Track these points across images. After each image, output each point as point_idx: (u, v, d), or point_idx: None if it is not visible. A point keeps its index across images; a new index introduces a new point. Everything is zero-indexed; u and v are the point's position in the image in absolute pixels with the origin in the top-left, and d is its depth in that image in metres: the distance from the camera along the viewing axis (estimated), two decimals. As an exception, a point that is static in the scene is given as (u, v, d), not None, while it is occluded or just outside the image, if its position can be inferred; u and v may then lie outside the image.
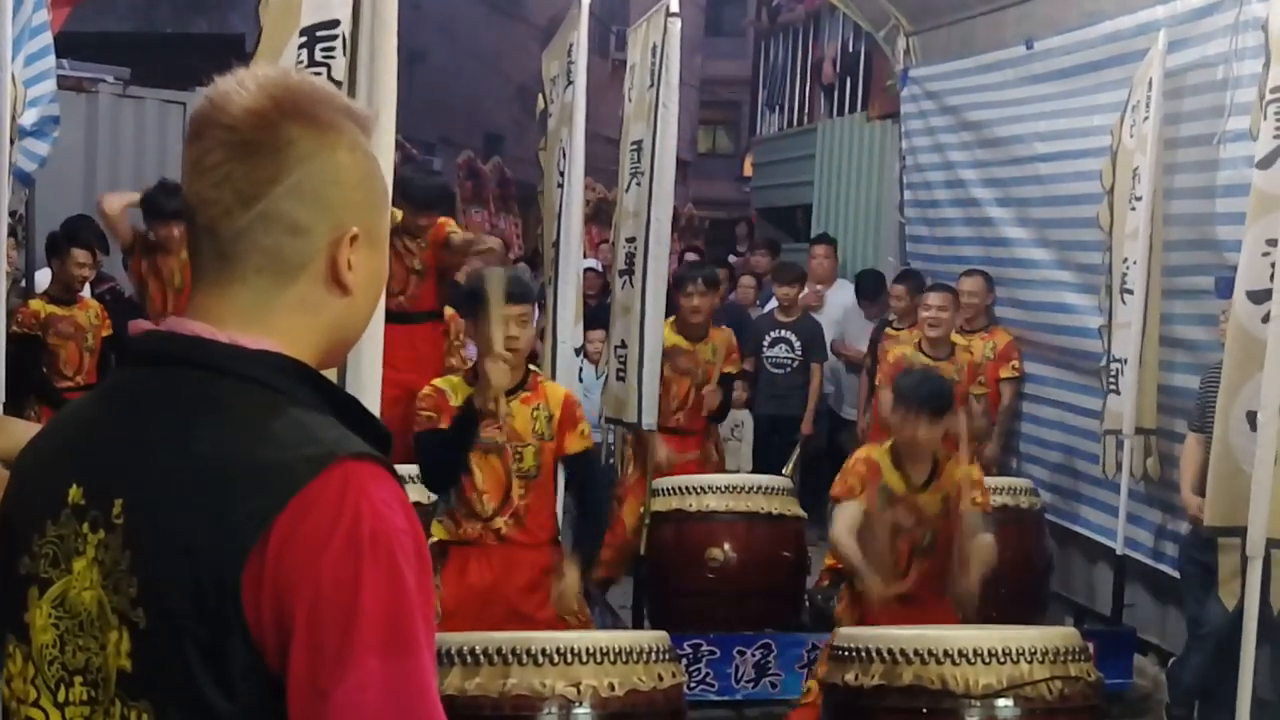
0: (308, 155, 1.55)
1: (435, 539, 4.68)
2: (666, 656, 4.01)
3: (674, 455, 7.22)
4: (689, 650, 6.15)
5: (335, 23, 3.16)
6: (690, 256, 12.53)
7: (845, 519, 5.05)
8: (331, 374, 1.74)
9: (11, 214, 6.00)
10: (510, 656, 3.79)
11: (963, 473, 5.13)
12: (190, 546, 1.43)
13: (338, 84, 3.14)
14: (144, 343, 1.61)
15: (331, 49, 3.17)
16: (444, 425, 4.62)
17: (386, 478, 1.49)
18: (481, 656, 3.78)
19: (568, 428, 4.77)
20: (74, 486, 1.54)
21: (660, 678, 3.91)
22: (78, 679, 1.52)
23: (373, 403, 3.00)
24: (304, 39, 3.20)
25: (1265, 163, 4.50)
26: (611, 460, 7.80)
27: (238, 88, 1.55)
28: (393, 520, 1.45)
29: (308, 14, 3.18)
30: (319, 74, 3.19)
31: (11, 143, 5.26)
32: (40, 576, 1.56)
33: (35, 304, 7.53)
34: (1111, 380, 6.79)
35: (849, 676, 4.19)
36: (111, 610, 1.49)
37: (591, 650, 3.83)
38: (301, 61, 3.19)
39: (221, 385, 1.52)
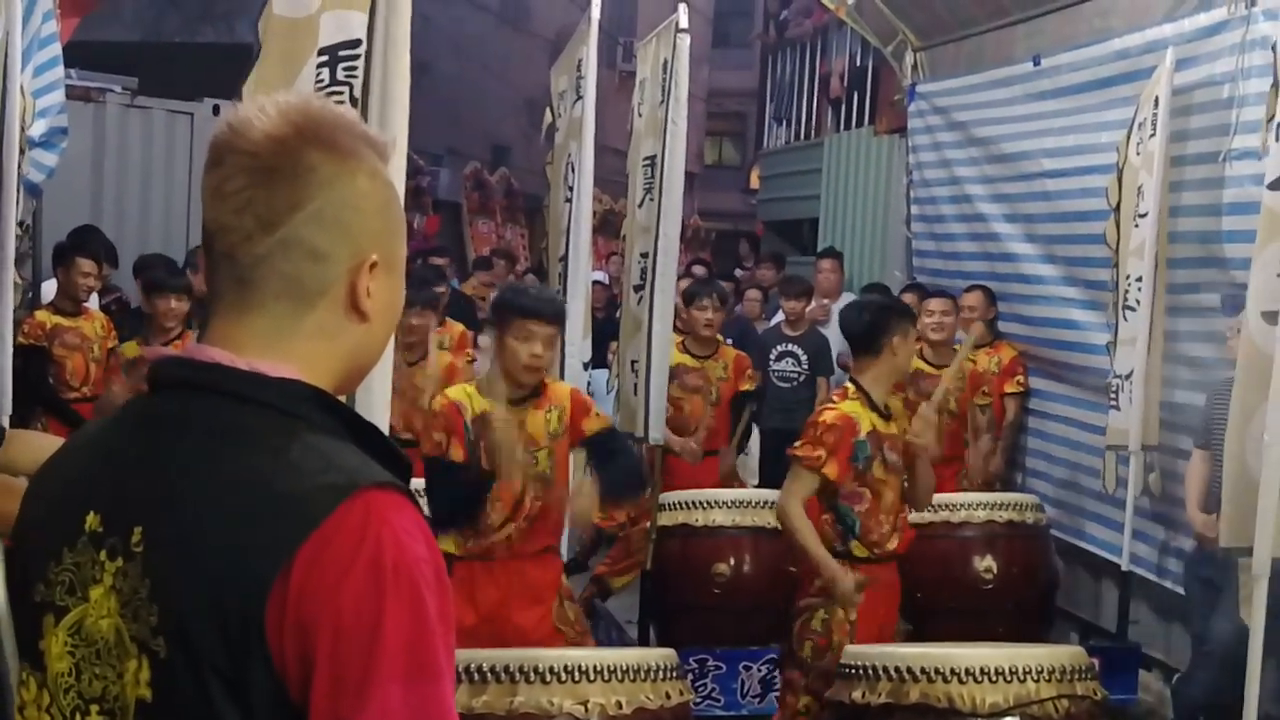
0: (328, 182, 1.55)
1: (442, 551, 4.66)
2: (674, 674, 4.02)
3: (697, 450, 7.22)
4: (695, 665, 6.15)
5: (358, 42, 3.17)
6: (698, 269, 12.53)
7: (801, 490, 4.88)
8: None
9: (19, 225, 6.01)
10: (518, 674, 3.80)
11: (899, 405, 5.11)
12: (212, 577, 1.43)
13: (357, 101, 3.15)
14: (163, 369, 1.61)
15: (354, 69, 3.17)
16: (454, 451, 4.58)
17: (407, 506, 1.50)
18: (489, 674, 3.79)
19: (580, 415, 4.76)
20: (91, 514, 1.54)
21: (668, 695, 3.92)
22: (94, 708, 1.52)
23: (382, 428, 3.00)
24: (324, 58, 3.21)
25: (1277, 184, 4.51)
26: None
27: (259, 114, 1.56)
28: (414, 549, 1.46)
29: (327, 34, 3.18)
30: (341, 93, 3.20)
31: (21, 153, 5.29)
32: (56, 604, 1.55)
33: (41, 315, 7.53)
34: (1113, 396, 6.80)
35: (856, 695, 4.19)
36: (130, 639, 1.48)
37: (599, 668, 3.83)
38: (323, 81, 3.20)
39: (241, 412, 1.52)
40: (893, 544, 4.99)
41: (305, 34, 3.23)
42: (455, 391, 4.85)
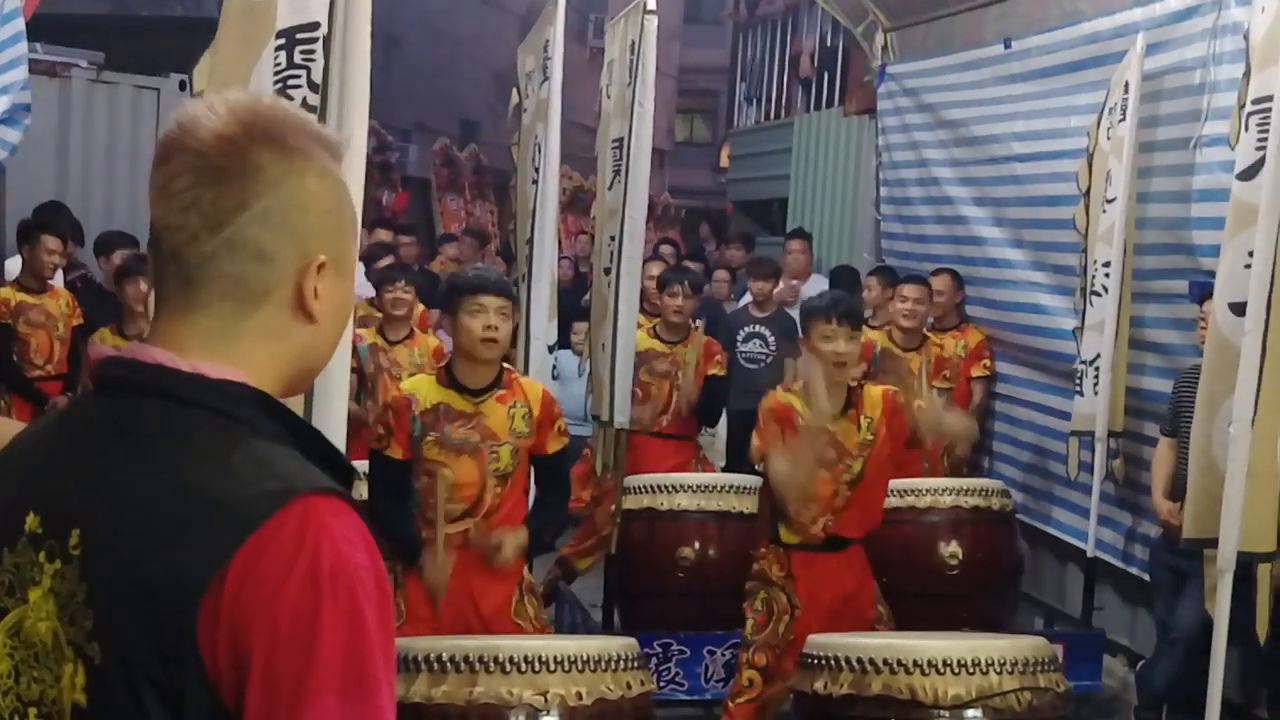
0: (276, 182, 1.53)
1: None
2: (635, 664, 3.99)
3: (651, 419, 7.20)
4: (659, 650, 6.14)
5: (315, 25, 3.11)
6: (665, 249, 12.49)
7: (784, 463, 4.90)
8: (296, 404, 1.71)
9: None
10: (478, 664, 3.76)
11: (874, 392, 5.10)
12: (146, 582, 1.40)
13: (317, 86, 3.10)
14: (105, 370, 1.58)
15: (312, 52, 3.11)
16: (394, 449, 4.58)
17: (347, 511, 1.47)
18: (449, 664, 3.75)
19: (547, 426, 4.72)
20: (31, 514, 1.51)
21: (629, 686, 3.89)
22: (32, 711, 1.50)
23: (338, 433, 2.95)
24: (282, 41, 3.15)
25: (1246, 174, 4.49)
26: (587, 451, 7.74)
27: (207, 112, 1.53)
28: (353, 557, 1.43)
29: (284, 16, 3.12)
30: (299, 76, 3.14)
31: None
32: None
33: (6, 292, 7.47)
34: (1079, 382, 6.80)
35: (818, 685, 4.18)
36: (67, 643, 1.46)
37: (559, 658, 3.80)
38: (280, 65, 3.15)
39: (183, 416, 1.49)
40: (816, 530, 5.00)
41: (263, 17, 3.17)
42: (411, 383, 4.81)
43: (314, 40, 3.18)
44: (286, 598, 1.38)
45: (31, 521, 1.51)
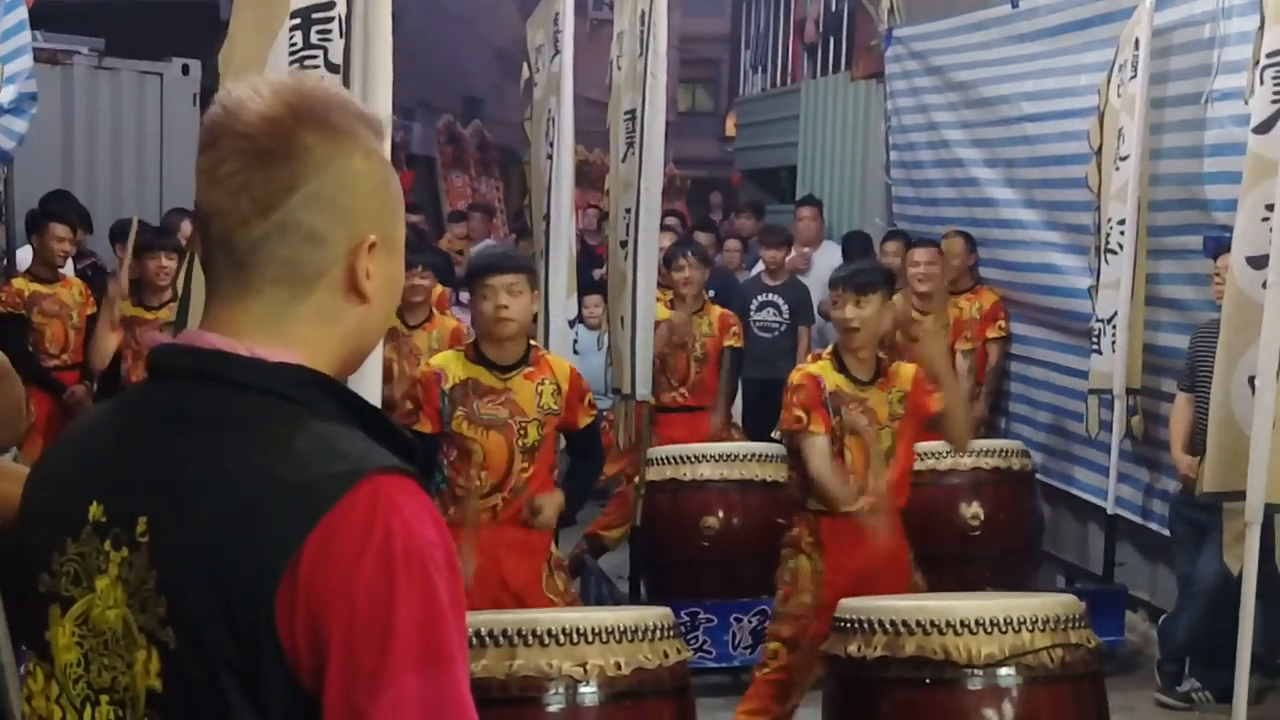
0: (324, 163, 1.53)
1: None
2: (671, 634, 4.01)
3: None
4: (686, 619, 6.16)
5: (330, 4, 3.11)
6: (670, 220, 12.47)
7: (821, 459, 4.91)
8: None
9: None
10: (516, 638, 3.79)
11: (907, 369, 5.10)
12: (219, 568, 1.41)
13: (335, 67, 3.10)
14: (162, 357, 1.59)
15: (328, 32, 3.11)
16: (423, 424, 4.60)
17: (415, 490, 1.48)
18: (487, 638, 3.77)
19: (577, 402, 4.75)
20: (94, 503, 1.52)
21: (665, 655, 3.91)
22: (104, 698, 1.51)
23: (373, 402, 2.96)
24: (297, 21, 3.14)
25: (1263, 128, 4.49)
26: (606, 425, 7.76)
27: (252, 94, 1.53)
28: (423, 534, 1.44)
29: (298, -4, 3.13)
30: (315, 57, 3.14)
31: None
32: (61, 594, 1.54)
33: (19, 282, 7.47)
34: (1095, 340, 6.81)
35: (851, 648, 4.20)
36: (139, 629, 1.47)
37: (597, 630, 3.83)
38: (296, 44, 3.14)
39: (244, 400, 1.50)
40: (859, 506, 4.99)
41: (277, -1, 3.17)
42: (441, 358, 4.83)
43: (330, 20, 3.17)
44: (362, 578, 1.39)
45: (95, 510, 1.52)
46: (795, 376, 5.06)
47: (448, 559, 1.46)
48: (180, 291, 3.37)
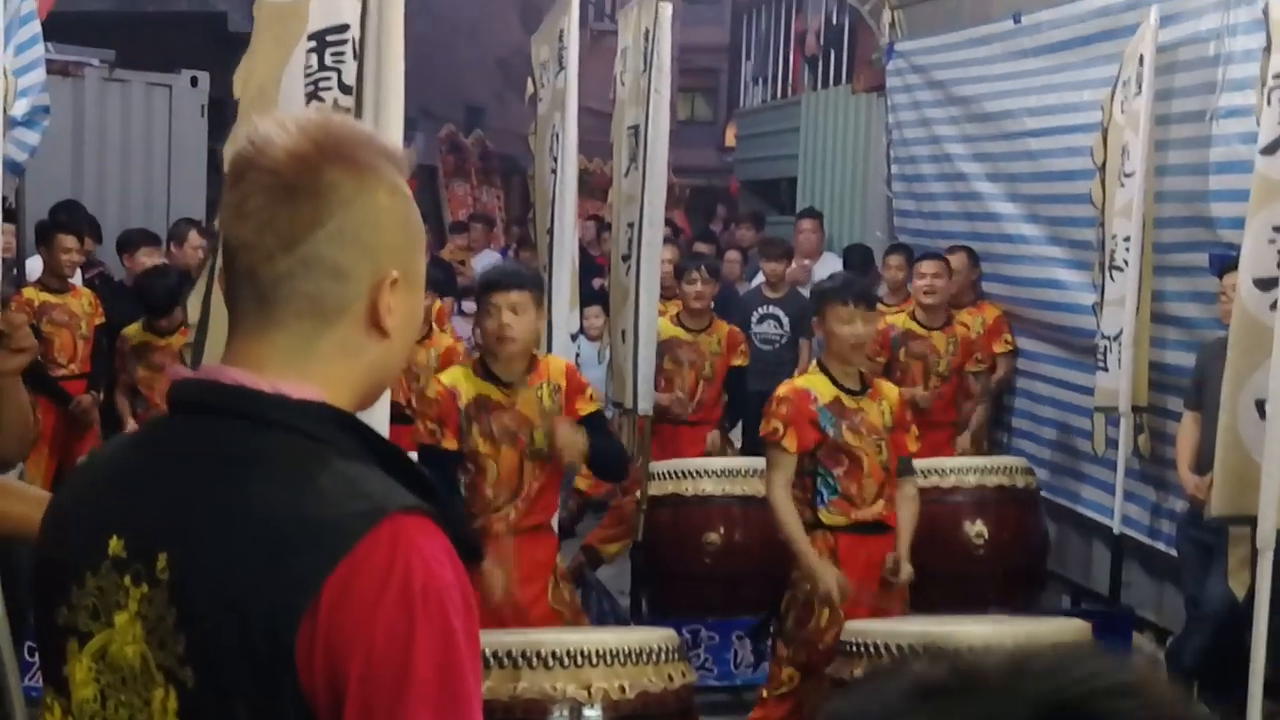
0: (349, 199, 1.53)
1: None
2: (676, 656, 4.01)
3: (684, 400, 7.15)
4: (688, 636, 6.14)
5: (345, 27, 3.12)
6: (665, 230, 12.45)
7: (779, 474, 4.93)
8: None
9: (2, 201, 5.95)
10: (520, 659, 3.78)
11: (891, 389, 5.12)
12: (240, 607, 1.41)
13: (349, 89, 3.09)
14: (183, 391, 1.59)
15: (341, 54, 3.12)
16: (447, 441, 4.61)
17: (434, 530, 1.48)
18: (492, 660, 3.76)
19: (575, 394, 4.77)
20: (114, 538, 1.52)
21: (670, 678, 3.91)
22: None
23: (382, 432, 2.96)
24: (313, 44, 3.15)
25: (1271, 149, 4.49)
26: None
27: (279, 130, 1.54)
28: (442, 575, 1.44)
29: (316, 19, 3.13)
30: (329, 78, 3.15)
31: (4, 133, 5.21)
32: (79, 629, 1.54)
33: (29, 292, 7.48)
34: (1101, 357, 6.79)
35: (858, 672, 4.18)
36: (156, 667, 1.47)
37: (602, 652, 3.82)
38: (311, 67, 3.15)
39: (266, 437, 1.50)
40: (877, 509, 4.97)
41: (295, 19, 3.17)
42: (450, 376, 4.83)
43: (344, 43, 3.18)
44: (381, 618, 1.40)
45: (115, 545, 1.51)
46: (782, 389, 5.08)
47: (465, 600, 1.46)
48: (197, 319, 3.36)
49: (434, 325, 7.19)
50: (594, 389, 4.92)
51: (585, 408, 4.79)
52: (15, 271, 7.80)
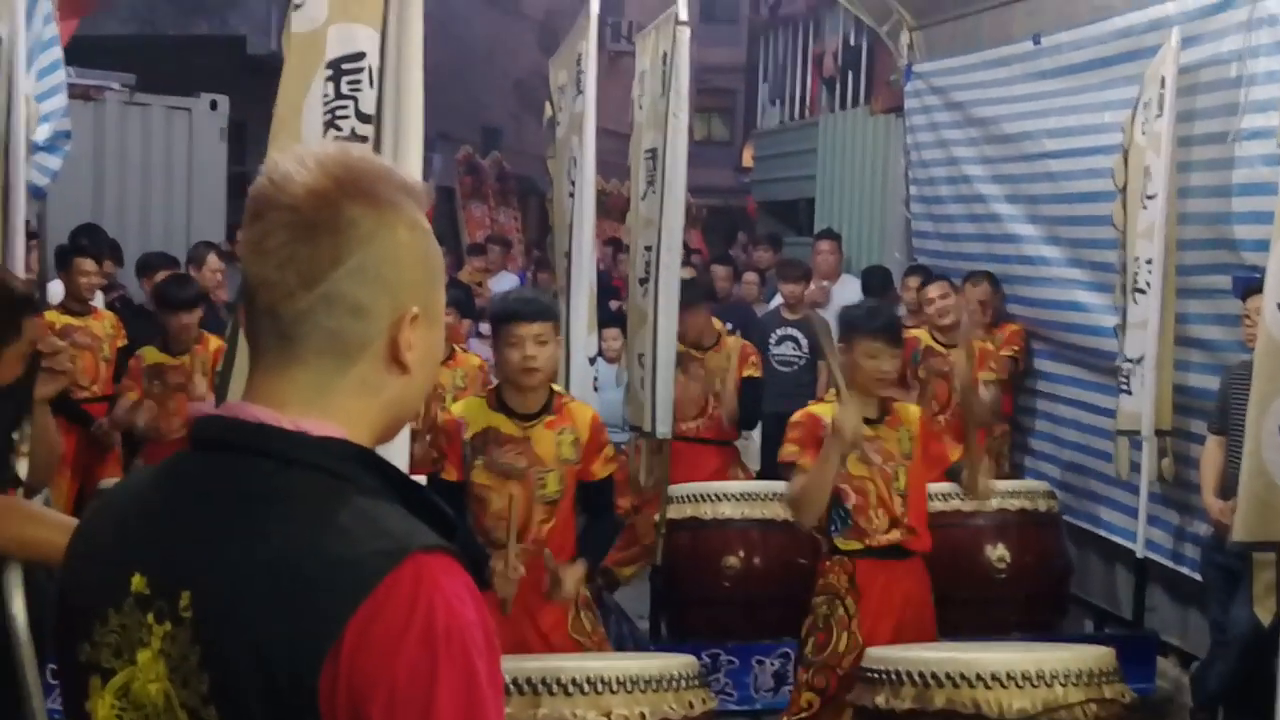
0: (369, 236, 1.52)
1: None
2: (696, 683, 3.98)
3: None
4: (707, 660, 6.11)
5: (361, 55, 3.12)
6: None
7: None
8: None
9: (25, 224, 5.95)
10: (540, 686, 3.76)
11: (913, 410, 5.10)
12: (264, 647, 1.40)
13: (366, 117, 3.09)
14: (204, 429, 1.57)
15: (358, 82, 3.12)
16: (449, 472, 4.60)
17: (456, 569, 1.47)
18: (512, 686, 3.74)
19: (595, 452, 4.71)
20: (137, 575, 1.51)
21: (691, 705, 3.89)
22: None
23: (402, 465, 2.95)
24: (330, 72, 3.16)
25: (1293, 172, 4.45)
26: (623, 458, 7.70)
27: (298, 167, 1.53)
28: (465, 614, 1.43)
29: (333, 47, 3.13)
30: (346, 107, 3.15)
31: (26, 158, 5.23)
32: (102, 666, 1.53)
33: (51, 315, 7.49)
34: (1124, 380, 6.75)
35: (879, 700, 4.15)
36: (180, 705, 1.46)
37: (622, 679, 3.80)
38: (329, 95, 3.15)
39: (288, 475, 1.49)
40: (891, 536, 4.94)
41: (315, 48, 3.18)
42: (462, 406, 4.80)
43: (360, 71, 3.19)
44: (403, 658, 1.39)
45: (138, 582, 1.51)
46: (797, 415, 5.05)
47: (487, 639, 1.45)
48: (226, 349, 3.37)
49: (455, 347, 7.16)
50: (612, 447, 4.88)
51: (601, 470, 4.75)
52: (37, 295, 7.82)
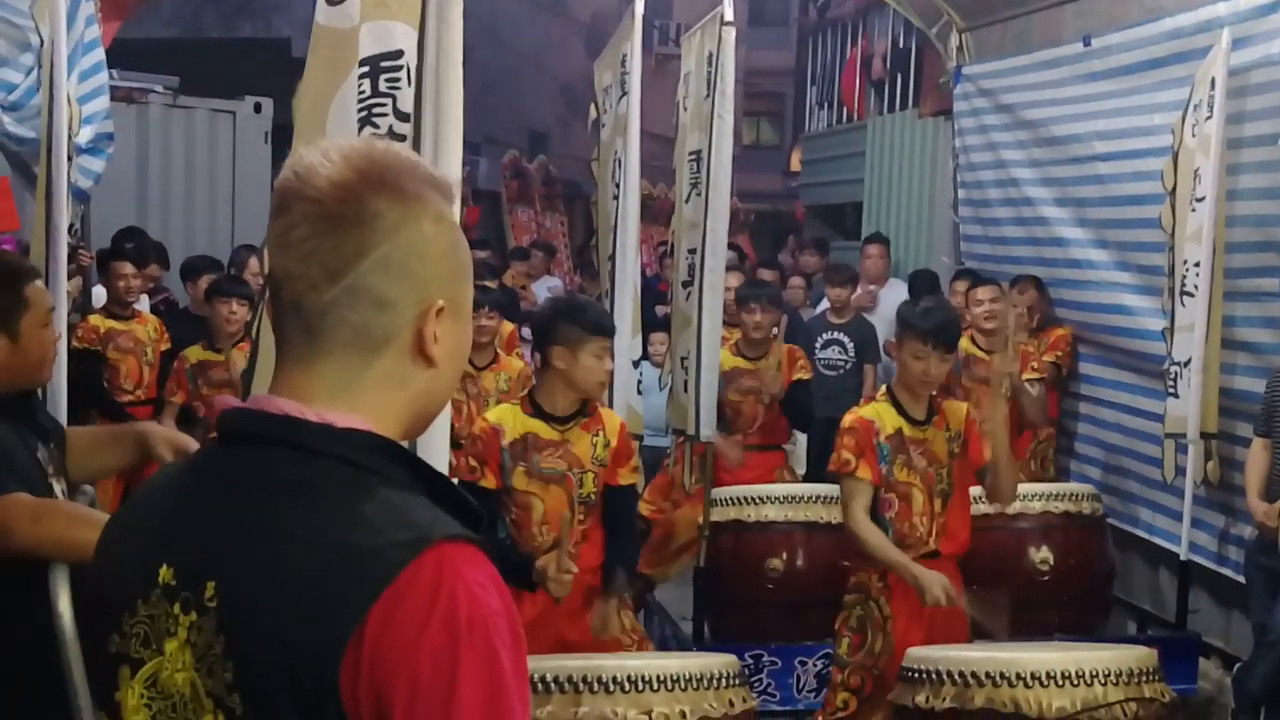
0: (394, 228, 1.53)
1: None
2: (737, 682, 3.99)
3: (738, 455, 7.15)
4: (750, 661, 6.12)
5: (399, 53, 3.12)
6: (729, 253, 12.41)
7: (859, 506, 4.89)
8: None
9: (69, 229, 6.02)
10: (581, 684, 3.77)
11: (960, 409, 5.09)
12: (286, 634, 1.42)
13: (404, 115, 3.10)
14: (231, 421, 1.59)
15: (397, 80, 3.12)
16: (487, 480, 4.60)
17: (480, 558, 1.48)
18: (553, 685, 3.76)
19: (622, 459, 4.76)
20: (164, 566, 1.53)
21: (731, 704, 3.89)
22: None
23: (441, 469, 2.96)
24: (365, 69, 3.16)
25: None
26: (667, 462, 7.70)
27: (323, 160, 1.54)
28: (488, 603, 1.44)
29: (367, 45, 3.13)
30: (384, 105, 3.15)
31: (68, 161, 5.29)
32: (131, 656, 1.55)
33: (95, 319, 7.56)
34: (1171, 383, 6.71)
35: (920, 699, 4.14)
36: (206, 694, 1.48)
37: (663, 678, 3.81)
38: (365, 93, 3.15)
39: (313, 466, 1.50)
40: (931, 545, 4.94)
41: (347, 44, 3.18)
42: (497, 413, 4.81)
43: (399, 69, 3.18)
44: (426, 647, 1.39)
45: (165, 573, 1.52)
46: (847, 419, 5.03)
47: (511, 628, 1.46)
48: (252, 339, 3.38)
49: (499, 351, 7.17)
50: (638, 460, 4.92)
51: (625, 479, 4.80)
52: (82, 298, 7.90)
